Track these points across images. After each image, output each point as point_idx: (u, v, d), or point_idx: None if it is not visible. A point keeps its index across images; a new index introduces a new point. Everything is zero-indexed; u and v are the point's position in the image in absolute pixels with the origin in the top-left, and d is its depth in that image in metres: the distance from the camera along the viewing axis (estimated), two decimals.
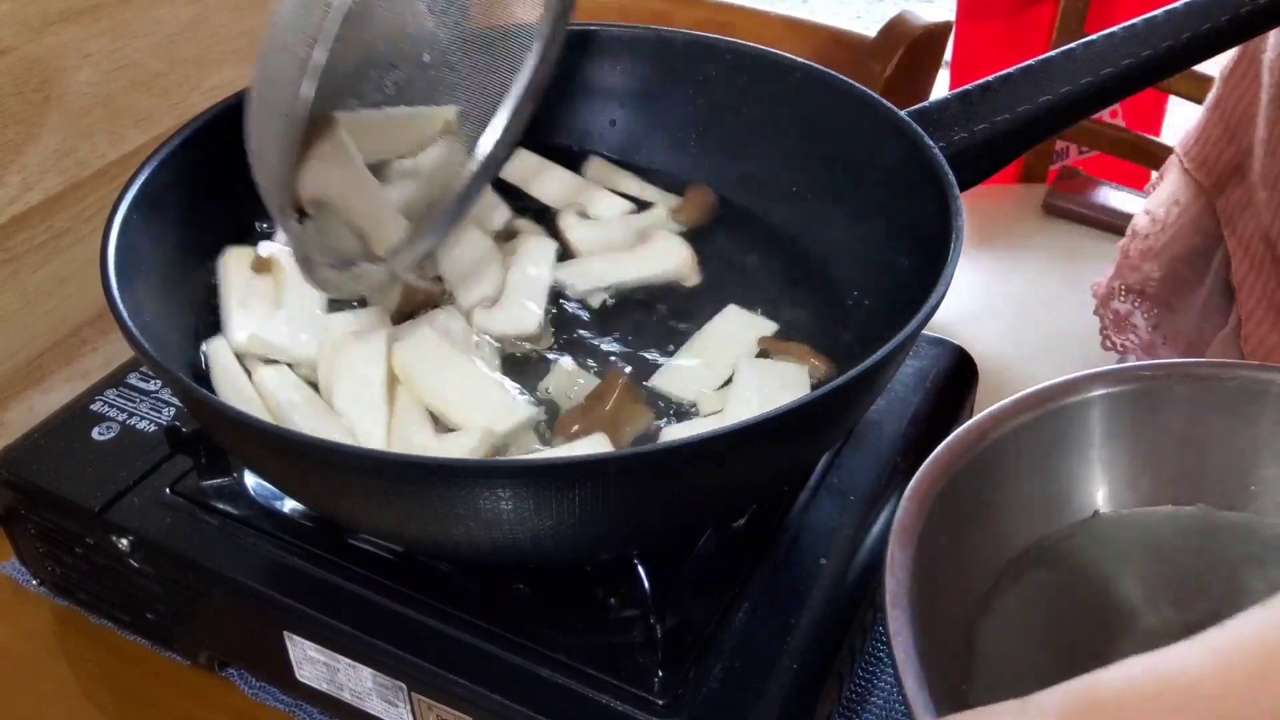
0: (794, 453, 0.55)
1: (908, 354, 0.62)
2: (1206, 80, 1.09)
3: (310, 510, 0.60)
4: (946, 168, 0.59)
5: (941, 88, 1.05)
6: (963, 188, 0.59)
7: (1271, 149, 0.79)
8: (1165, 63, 0.61)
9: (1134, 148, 1.23)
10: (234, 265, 0.64)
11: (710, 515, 0.57)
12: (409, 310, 0.64)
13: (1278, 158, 0.79)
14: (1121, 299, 0.98)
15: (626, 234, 0.71)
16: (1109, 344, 0.98)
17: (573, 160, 0.75)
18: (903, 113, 0.63)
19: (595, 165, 0.75)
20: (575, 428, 0.58)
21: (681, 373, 0.62)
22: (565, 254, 0.70)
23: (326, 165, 0.59)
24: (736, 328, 0.65)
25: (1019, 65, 0.63)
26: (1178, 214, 0.91)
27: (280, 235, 0.65)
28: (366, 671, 0.56)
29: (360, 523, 0.57)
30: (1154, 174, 1.03)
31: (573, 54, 0.70)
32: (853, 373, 0.49)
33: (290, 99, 0.54)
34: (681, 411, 0.61)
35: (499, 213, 0.71)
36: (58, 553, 0.64)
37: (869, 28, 1.07)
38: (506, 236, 0.70)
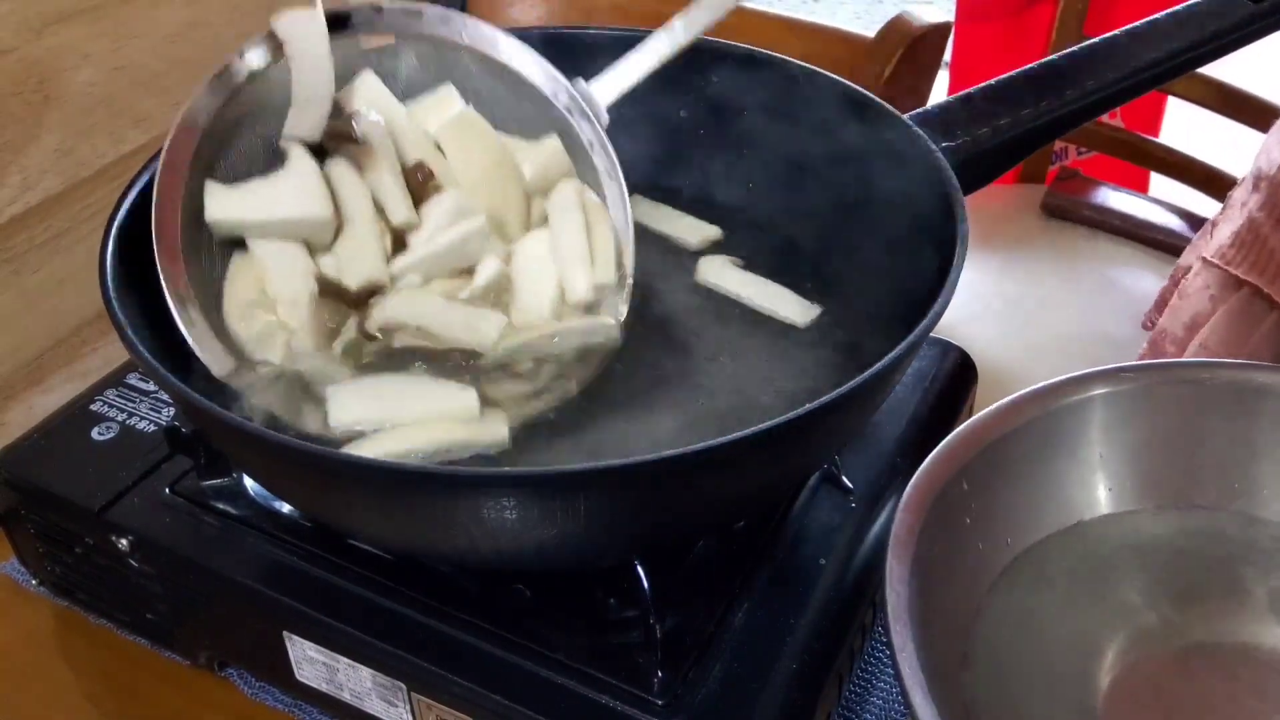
0: (798, 460, 0.55)
1: (913, 359, 0.62)
2: (1207, 82, 1.10)
3: (308, 517, 0.60)
4: (950, 171, 0.59)
5: (941, 88, 1.05)
6: (966, 191, 0.59)
7: None
8: (1168, 66, 0.61)
9: (1133, 149, 1.23)
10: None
11: (713, 520, 0.57)
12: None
13: None
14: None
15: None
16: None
17: None
18: (905, 116, 0.63)
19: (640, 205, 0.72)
20: None
21: None
22: None
23: None
24: None
25: (1022, 68, 0.63)
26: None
27: None
28: (366, 671, 0.56)
29: (358, 530, 0.57)
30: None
31: (569, 57, 0.69)
32: (859, 379, 0.49)
33: None
34: None
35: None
36: (57, 553, 0.64)
37: (869, 28, 1.07)
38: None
